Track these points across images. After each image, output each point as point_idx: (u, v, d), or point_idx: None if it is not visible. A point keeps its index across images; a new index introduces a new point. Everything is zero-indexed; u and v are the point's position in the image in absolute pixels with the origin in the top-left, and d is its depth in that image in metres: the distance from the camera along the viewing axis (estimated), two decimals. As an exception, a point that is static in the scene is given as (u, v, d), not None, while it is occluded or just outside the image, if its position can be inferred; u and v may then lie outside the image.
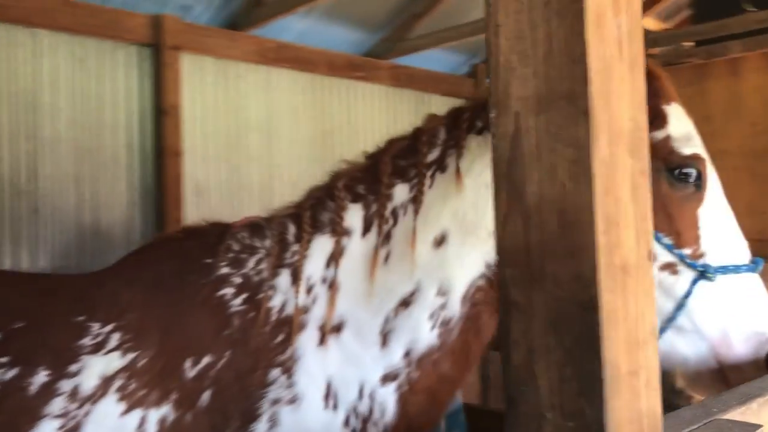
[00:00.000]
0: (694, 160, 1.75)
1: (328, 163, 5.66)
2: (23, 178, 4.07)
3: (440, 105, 6.59)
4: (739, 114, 5.47)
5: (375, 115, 6.01)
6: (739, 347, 1.62)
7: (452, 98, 6.67)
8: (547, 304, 0.74)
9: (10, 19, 3.96)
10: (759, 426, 0.85)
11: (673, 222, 1.69)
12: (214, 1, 4.90)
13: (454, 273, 1.90)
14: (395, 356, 1.92)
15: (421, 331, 1.92)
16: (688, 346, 1.68)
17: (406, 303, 1.92)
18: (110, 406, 1.90)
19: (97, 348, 1.98)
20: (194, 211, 4.79)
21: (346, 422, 1.91)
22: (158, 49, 4.53)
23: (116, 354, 1.96)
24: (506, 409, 0.80)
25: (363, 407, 1.91)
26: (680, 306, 1.65)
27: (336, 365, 1.92)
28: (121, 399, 1.90)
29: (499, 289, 0.79)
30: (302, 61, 5.36)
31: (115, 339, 1.98)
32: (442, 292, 1.91)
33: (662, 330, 1.68)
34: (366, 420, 1.90)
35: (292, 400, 1.89)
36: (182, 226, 2.33)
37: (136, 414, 1.89)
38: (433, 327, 1.91)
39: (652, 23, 5.92)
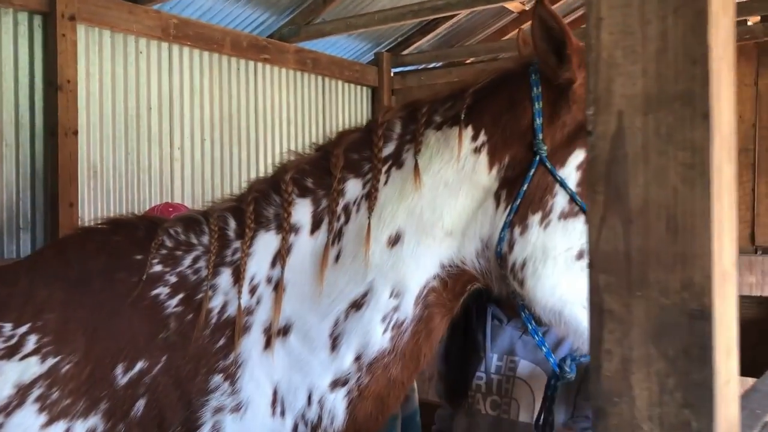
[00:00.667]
0: None
1: (231, 146, 5.49)
2: None
3: (344, 91, 6.53)
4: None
5: (279, 99, 5.85)
6: None
7: (356, 85, 6.63)
8: (648, 313, 0.72)
9: None
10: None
11: None
12: (112, -30, 4.56)
13: (409, 274, 1.82)
14: (345, 361, 1.83)
15: (373, 335, 1.83)
16: None
17: (357, 305, 1.83)
18: (28, 417, 1.71)
19: (10, 352, 1.77)
20: (89, 194, 4.46)
21: (295, 429, 1.82)
22: (51, 17, 4.16)
23: (34, 359, 1.76)
24: (594, 421, 0.77)
25: (312, 414, 1.82)
26: None
27: (283, 370, 1.82)
28: (42, 409, 1.71)
29: (589, 296, 0.75)
30: (206, 40, 5.11)
31: (31, 342, 1.78)
32: (396, 293, 1.82)
33: None
34: (315, 427, 1.82)
35: (236, 408, 1.78)
36: (106, 218, 2.11)
37: (60, 426, 1.71)
38: (385, 330, 1.83)
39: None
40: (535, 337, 1.86)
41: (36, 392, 1.72)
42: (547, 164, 1.71)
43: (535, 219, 1.71)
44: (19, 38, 4.14)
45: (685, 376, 0.69)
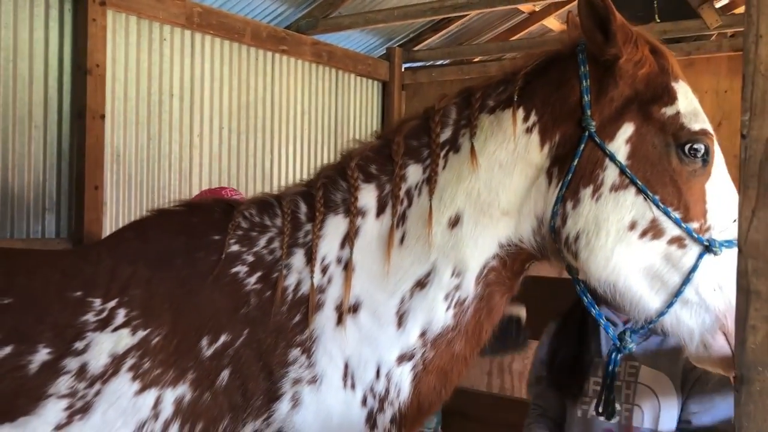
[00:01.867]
0: (703, 135, 1.79)
1: (248, 135, 5.57)
2: (-73, 132, 3.65)
3: (356, 85, 6.61)
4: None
5: (295, 90, 5.92)
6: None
7: (368, 79, 6.72)
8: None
9: None
10: None
11: (681, 196, 1.75)
12: (140, -43, 4.61)
13: (469, 253, 1.91)
14: (411, 337, 1.93)
15: (437, 312, 1.93)
16: (693, 319, 1.74)
17: (421, 284, 1.93)
18: (123, 385, 1.80)
19: (102, 324, 1.86)
20: (111, 178, 4.51)
21: (364, 402, 1.92)
22: (82, 2, 4.20)
23: (125, 331, 1.85)
24: (736, 388, 0.88)
25: (380, 387, 1.92)
26: (687, 279, 1.71)
27: (353, 345, 1.92)
28: (135, 378, 1.81)
29: (738, 279, 0.86)
30: (227, 29, 5.17)
31: (121, 315, 1.88)
32: (457, 272, 1.92)
33: (670, 304, 1.75)
34: (383, 399, 1.92)
35: (313, 380, 1.88)
36: (181, 200, 2.20)
37: (152, 393, 1.80)
38: (448, 308, 1.93)
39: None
40: (592, 310, 1.92)
41: (129, 362, 1.82)
42: (597, 139, 1.79)
43: (586, 192, 1.79)
44: (50, 22, 4.19)
45: (828, 348, 0.80)
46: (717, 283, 1.74)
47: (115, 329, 1.85)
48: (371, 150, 2.07)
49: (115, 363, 1.82)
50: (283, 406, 1.85)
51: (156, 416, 1.79)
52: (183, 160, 5.01)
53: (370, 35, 6.67)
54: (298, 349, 1.89)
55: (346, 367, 1.91)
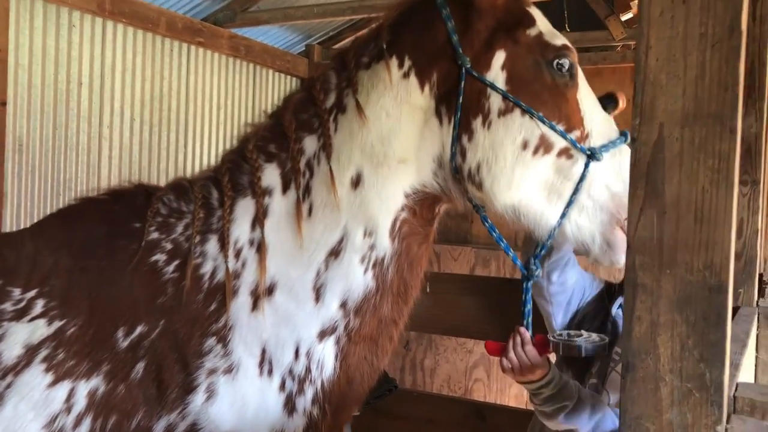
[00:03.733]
0: (566, 49, 1.89)
1: (161, 127, 5.43)
2: None
3: (274, 80, 6.55)
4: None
5: (210, 83, 5.82)
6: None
7: (286, 75, 6.67)
8: (675, 287, 0.89)
9: None
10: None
11: (561, 109, 1.85)
12: (48, -62, 4.42)
13: (377, 209, 1.90)
14: (331, 309, 1.89)
15: (355, 277, 1.89)
16: (592, 221, 1.85)
17: (335, 252, 1.89)
18: (36, 377, 1.73)
19: (19, 314, 1.79)
20: (13, 168, 4.31)
21: (282, 386, 1.87)
22: (-17, -18, 3.99)
23: (42, 321, 1.78)
24: (623, 375, 0.94)
25: (299, 367, 1.88)
26: (578, 188, 1.82)
27: (271, 329, 1.87)
28: (48, 369, 1.74)
29: (626, 273, 0.92)
30: (141, 18, 5.03)
31: (39, 305, 1.80)
32: (369, 232, 1.89)
33: (565, 213, 1.84)
34: (302, 380, 1.88)
35: (228, 370, 1.84)
36: (107, 187, 2.12)
37: (65, 386, 1.74)
38: (366, 270, 1.89)
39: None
40: (501, 243, 1.97)
41: (43, 353, 1.75)
42: (474, 73, 1.85)
43: (477, 123, 1.85)
44: (-52, 1, 3.96)
45: (703, 336, 0.87)
46: (605, 184, 1.86)
47: (32, 319, 1.78)
48: (266, 130, 2.04)
49: (29, 354, 1.75)
50: (198, 398, 1.81)
51: (68, 410, 1.73)
52: (92, 151, 4.84)
53: (290, 31, 6.63)
54: (214, 338, 1.85)
55: (263, 352, 1.87)
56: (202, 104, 5.75)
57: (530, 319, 2.08)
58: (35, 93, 4.43)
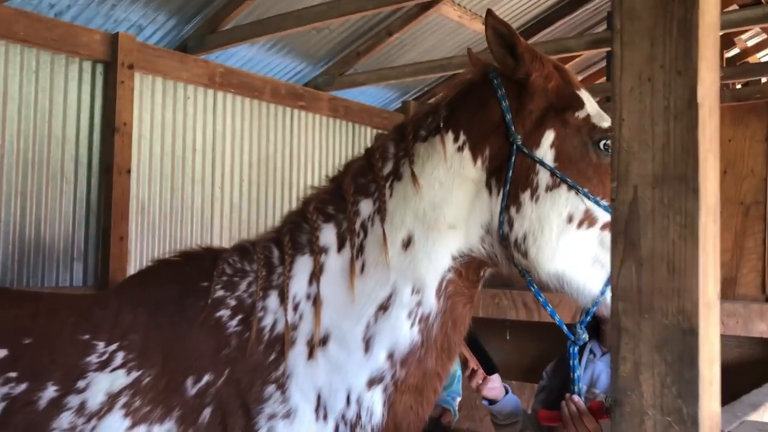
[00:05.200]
0: (612, 132, 2.02)
1: (267, 187, 5.82)
2: (-32, 188, 3.97)
3: (372, 137, 6.87)
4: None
5: (313, 143, 6.20)
6: None
7: (384, 131, 6.98)
8: (653, 330, 0.99)
9: (-34, 25, 3.90)
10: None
11: (605, 185, 1.94)
12: (166, 24, 4.96)
13: (425, 269, 2.04)
14: (379, 359, 2.04)
15: (402, 331, 2.04)
16: None
17: (384, 307, 2.05)
18: (116, 421, 1.98)
19: (102, 366, 2.06)
20: (137, 228, 4.78)
21: (336, 430, 2.05)
22: (112, 66, 4.54)
23: (121, 372, 2.04)
24: (612, 410, 1.04)
25: (351, 413, 2.04)
26: None
27: (324, 376, 2.05)
28: (126, 415, 1.98)
29: (611, 317, 1.03)
30: (248, 87, 5.49)
31: (119, 358, 2.07)
32: (417, 289, 2.04)
33: (608, 283, 1.90)
34: (354, 425, 2.04)
35: (287, 415, 2.02)
36: (178, 250, 2.41)
37: (141, 429, 1.97)
38: (412, 325, 2.04)
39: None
40: (547, 308, 2.06)
41: (122, 400, 1.99)
42: (524, 149, 2.00)
43: (525, 196, 1.98)
44: (83, 85, 4.53)
45: (679, 375, 0.97)
46: None
47: (113, 370, 2.04)
48: (325, 193, 2.25)
49: (110, 401, 1.99)
50: None
51: None
52: (204, 211, 5.28)
53: (386, 90, 6.96)
54: (273, 385, 2.04)
55: (319, 398, 2.04)
56: (305, 163, 6.13)
57: (581, 385, 2.12)
58: (155, 161, 4.93)
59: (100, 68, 4.59)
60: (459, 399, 3.24)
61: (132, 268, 4.71)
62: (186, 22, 4.99)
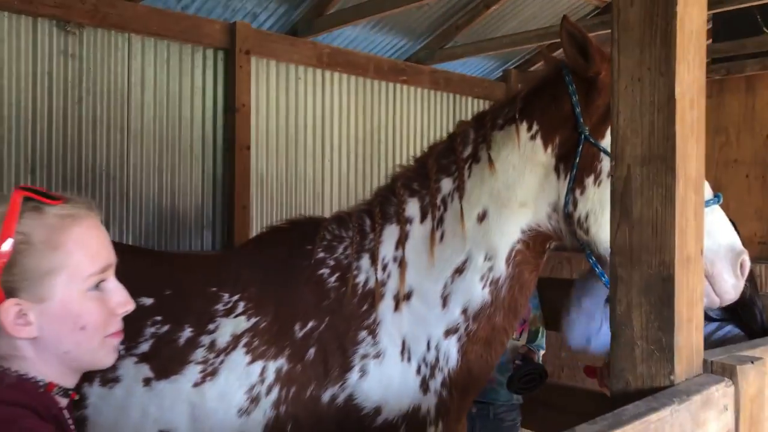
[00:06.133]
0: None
1: (372, 159, 6.22)
2: (115, 166, 4.60)
3: (474, 106, 7.10)
4: (752, 127, 5.93)
5: (415, 115, 6.51)
6: (719, 260, 2.10)
7: (485, 100, 7.18)
8: (641, 278, 1.26)
9: (109, 25, 4.49)
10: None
11: None
12: (277, 11, 5.41)
13: (497, 240, 2.34)
14: (455, 314, 2.37)
15: (475, 291, 2.35)
16: None
17: (460, 270, 2.37)
18: (239, 357, 2.39)
19: (228, 312, 2.49)
20: (257, 199, 5.32)
21: (418, 371, 2.39)
22: (231, 52, 5.04)
23: (243, 318, 2.46)
24: (612, 341, 1.32)
25: (431, 357, 2.39)
26: None
27: (408, 325, 2.38)
28: (248, 352, 2.39)
29: (610, 269, 1.31)
30: (353, 66, 5.87)
31: (241, 306, 2.49)
32: (489, 257, 2.34)
33: None
34: (434, 367, 2.39)
35: (377, 355, 2.38)
36: (287, 219, 2.82)
37: (259, 364, 2.38)
38: (484, 287, 2.35)
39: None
40: (602, 278, 2.27)
41: (244, 340, 2.40)
42: (591, 139, 2.23)
43: (589, 181, 2.23)
44: (207, 70, 5.07)
45: (659, 313, 1.24)
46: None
47: (236, 316, 2.45)
48: (411, 171, 2.58)
49: (234, 341, 2.40)
50: (354, 376, 2.36)
51: (262, 381, 2.35)
52: (316, 182, 5.75)
53: (486, 60, 7.13)
54: (365, 331, 2.40)
55: (404, 343, 2.39)
56: (408, 135, 6.46)
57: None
58: (271, 137, 5.42)
59: (221, 55, 5.11)
60: (542, 352, 3.52)
61: (253, 234, 5.26)
62: (295, 8, 5.41)
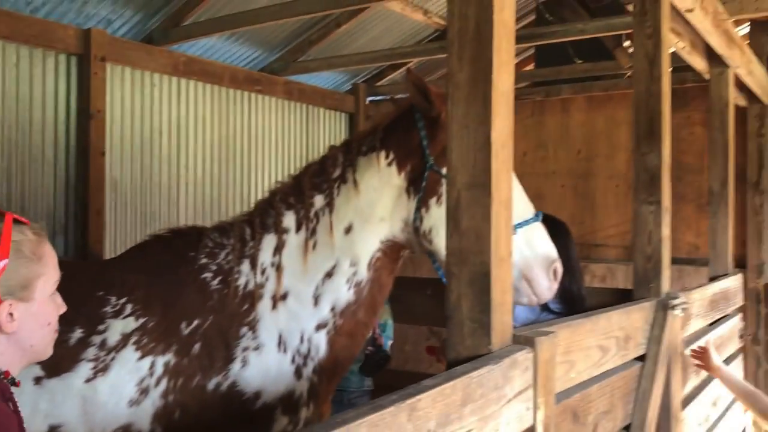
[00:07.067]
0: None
1: (228, 165, 6.41)
2: (-39, 171, 4.48)
3: (325, 117, 7.48)
4: (567, 143, 6.79)
5: (270, 124, 6.78)
6: (536, 266, 2.60)
7: (335, 111, 7.59)
8: (468, 274, 1.67)
9: (-45, 25, 4.37)
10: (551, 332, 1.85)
11: None
12: (132, 18, 5.47)
13: (360, 249, 2.76)
14: (324, 311, 2.75)
15: (341, 292, 2.76)
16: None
17: (329, 274, 2.77)
18: (129, 353, 2.61)
19: (116, 314, 2.68)
20: (110, 204, 5.34)
21: (293, 360, 2.74)
22: (86, 58, 5.05)
23: (131, 318, 2.67)
24: (446, 321, 1.73)
25: (304, 348, 2.75)
26: None
27: (284, 322, 2.75)
28: (137, 349, 2.61)
29: (446, 267, 1.72)
30: (209, 74, 6.04)
31: (129, 308, 2.69)
32: (354, 263, 2.76)
33: None
34: (306, 357, 2.75)
35: (257, 348, 2.70)
36: (168, 228, 3.03)
37: (149, 359, 2.61)
38: (349, 288, 2.77)
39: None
40: (443, 279, 2.63)
41: (133, 338, 2.61)
42: (435, 168, 2.71)
43: (433, 201, 2.71)
44: (59, 76, 5.03)
45: (480, 300, 1.66)
46: (518, 250, 2.54)
47: (125, 317, 2.65)
48: (288, 187, 2.96)
49: (124, 339, 2.61)
50: (236, 366, 2.66)
51: (152, 374, 2.58)
52: (171, 188, 5.85)
53: (337, 74, 7.55)
54: (246, 327, 2.71)
55: (280, 337, 2.73)
56: (263, 143, 6.72)
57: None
58: (126, 143, 5.47)
59: (74, 60, 5.09)
60: (390, 342, 3.99)
61: (108, 240, 5.28)
62: (151, 17, 5.50)
